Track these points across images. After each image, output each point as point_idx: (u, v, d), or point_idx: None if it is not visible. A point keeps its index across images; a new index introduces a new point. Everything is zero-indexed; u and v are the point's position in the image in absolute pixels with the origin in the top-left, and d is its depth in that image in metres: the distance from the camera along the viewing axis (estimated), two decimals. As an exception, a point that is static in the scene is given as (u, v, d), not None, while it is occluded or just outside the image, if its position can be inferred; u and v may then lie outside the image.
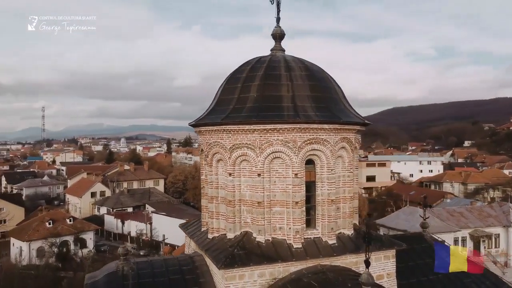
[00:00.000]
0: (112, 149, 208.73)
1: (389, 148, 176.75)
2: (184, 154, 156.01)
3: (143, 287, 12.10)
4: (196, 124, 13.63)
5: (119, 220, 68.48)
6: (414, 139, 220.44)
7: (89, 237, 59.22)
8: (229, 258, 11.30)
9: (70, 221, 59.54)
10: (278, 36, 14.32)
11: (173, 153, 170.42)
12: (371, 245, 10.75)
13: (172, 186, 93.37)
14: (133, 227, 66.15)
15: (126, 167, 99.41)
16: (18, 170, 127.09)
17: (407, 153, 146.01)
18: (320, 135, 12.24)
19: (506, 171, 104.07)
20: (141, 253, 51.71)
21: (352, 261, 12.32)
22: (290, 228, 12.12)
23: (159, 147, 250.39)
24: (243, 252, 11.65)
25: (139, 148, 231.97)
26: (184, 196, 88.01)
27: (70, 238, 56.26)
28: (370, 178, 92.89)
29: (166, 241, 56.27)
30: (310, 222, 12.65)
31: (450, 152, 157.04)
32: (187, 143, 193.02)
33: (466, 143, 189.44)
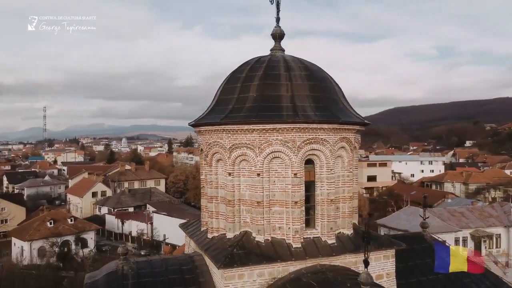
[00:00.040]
0: (113, 149, 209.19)
1: (390, 148, 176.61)
2: (185, 154, 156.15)
3: (143, 286, 12.12)
4: (195, 124, 13.64)
5: (120, 220, 68.55)
6: (416, 139, 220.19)
7: (90, 237, 59.29)
8: (228, 258, 11.32)
9: (71, 221, 59.61)
10: (278, 36, 14.33)
11: (174, 153, 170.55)
12: (370, 245, 10.77)
13: (173, 186, 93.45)
14: (134, 227, 66.23)
15: (127, 167, 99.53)
16: (19, 170, 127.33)
17: (409, 153, 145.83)
18: (319, 135, 12.24)
19: (507, 171, 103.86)
20: (142, 253, 51.73)
21: (352, 261, 12.32)
22: (289, 227, 12.12)
23: (160, 147, 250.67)
24: (242, 252, 11.66)
25: (140, 148, 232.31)
26: (185, 196, 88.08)
27: (71, 238, 56.33)
28: (371, 178, 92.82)
29: (167, 241, 56.39)
30: (309, 221, 12.65)
31: (452, 152, 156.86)
32: (188, 143, 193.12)
33: (468, 143, 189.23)
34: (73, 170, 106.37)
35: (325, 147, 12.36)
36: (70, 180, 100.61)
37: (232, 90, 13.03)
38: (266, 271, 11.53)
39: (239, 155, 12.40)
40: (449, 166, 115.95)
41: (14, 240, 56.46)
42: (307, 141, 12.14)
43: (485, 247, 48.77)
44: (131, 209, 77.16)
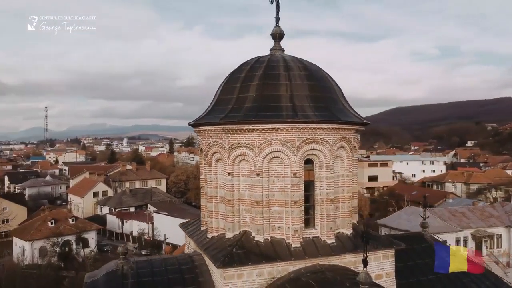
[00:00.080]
0: (115, 149, 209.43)
1: (391, 148, 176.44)
2: (186, 154, 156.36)
3: (142, 286, 12.14)
4: (195, 124, 13.66)
5: (120, 220, 68.64)
6: (417, 139, 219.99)
7: (91, 237, 59.35)
8: (227, 257, 11.33)
9: (72, 220, 59.69)
10: (278, 36, 14.34)
11: (175, 153, 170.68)
12: (369, 245, 10.76)
13: (174, 186, 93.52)
14: (135, 227, 66.31)
15: (128, 167, 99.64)
16: (21, 170, 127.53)
17: (410, 153, 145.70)
18: (318, 135, 12.25)
19: (509, 171, 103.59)
20: (143, 253, 51.85)
21: (351, 261, 12.33)
22: (288, 227, 12.13)
23: (162, 147, 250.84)
24: (241, 252, 11.67)
25: (141, 148, 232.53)
26: (186, 196, 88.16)
27: (72, 238, 56.40)
28: (372, 178, 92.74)
29: (168, 240, 56.42)
30: (309, 221, 12.65)
31: (453, 152, 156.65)
32: (189, 143, 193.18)
33: (469, 143, 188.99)
34: (74, 170, 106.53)
35: (324, 147, 12.37)
36: (71, 180, 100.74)
37: (232, 90, 13.05)
38: (265, 271, 11.54)
39: (239, 155, 12.41)
40: (451, 166, 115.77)
41: (15, 240, 56.56)
42: (307, 141, 12.14)
43: (486, 247, 48.68)
44: (132, 209, 77.24)
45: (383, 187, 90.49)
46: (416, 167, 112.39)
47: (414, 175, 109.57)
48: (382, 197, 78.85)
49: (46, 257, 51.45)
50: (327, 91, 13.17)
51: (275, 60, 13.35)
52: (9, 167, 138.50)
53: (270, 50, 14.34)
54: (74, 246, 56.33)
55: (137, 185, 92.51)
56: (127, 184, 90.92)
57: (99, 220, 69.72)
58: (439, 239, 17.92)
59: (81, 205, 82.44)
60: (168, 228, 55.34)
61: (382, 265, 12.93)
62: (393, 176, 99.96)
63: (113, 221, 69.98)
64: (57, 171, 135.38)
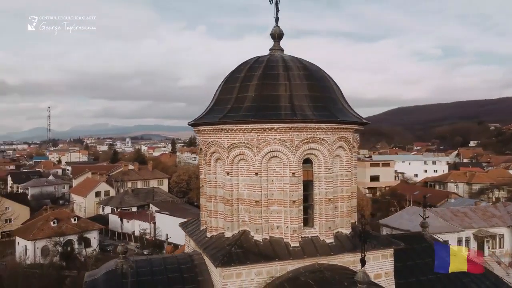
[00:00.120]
0: (117, 149, 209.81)
1: (394, 148, 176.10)
2: (189, 154, 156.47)
3: (142, 285, 12.19)
4: (194, 124, 13.71)
5: (120, 219, 68.82)
6: (419, 139, 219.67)
7: (93, 236, 59.49)
8: (226, 257, 11.37)
9: (74, 220, 59.86)
10: (277, 36, 14.37)
11: (178, 153, 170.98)
12: (367, 244, 10.79)
13: (176, 185, 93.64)
14: (136, 226, 66.46)
15: (131, 167, 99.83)
16: (24, 170, 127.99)
17: (412, 153, 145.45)
18: (317, 135, 12.27)
19: (511, 171, 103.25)
20: (145, 252, 51.97)
21: (350, 260, 12.34)
22: (287, 227, 12.16)
23: (164, 147, 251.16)
24: (240, 251, 11.71)
25: (144, 148, 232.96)
26: (188, 196, 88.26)
27: (74, 238, 56.58)
28: (374, 178, 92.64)
29: (169, 240, 56.51)
30: (307, 221, 12.69)
31: (456, 152, 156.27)
32: (191, 143, 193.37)
33: (472, 143, 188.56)
34: (76, 170, 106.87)
35: (323, 147, 12.39)
36: (73, 180, 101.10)
37: (231, 90, 13.09)
38: (264, 270, 11.58)
39: (238, 155, 12.45)
40: (453, 166, 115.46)
41: (17, 239, 56.78)
42: (305, 141, 12.17)
43: (488, 247, 48.57)
44: (134, 209, 77.41)
45: (385, 187, 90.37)
46: (419, 167, 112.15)
47: (416, 175, 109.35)
48: (384, 197, 78.78)
49: (48, 256, 51.59)
50: (326, 91, 13.19)
51: (274, 60, 13.38)
52: (12, 167, 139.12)
53: (270, 50, 14.38)
54: (76, 246, 56.50)
55: (139, 185, 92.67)
56: (129, 184, 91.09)
57: (101, 220, 69.89)
58: (440, 239, 17.91)
59: (84, 205, 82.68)
60: (170, 228, 55.40)
61: (381, 264, 12.95)
62: (395, 176, 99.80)
63: (115, 221, 70.16)
64: (59, 171, 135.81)
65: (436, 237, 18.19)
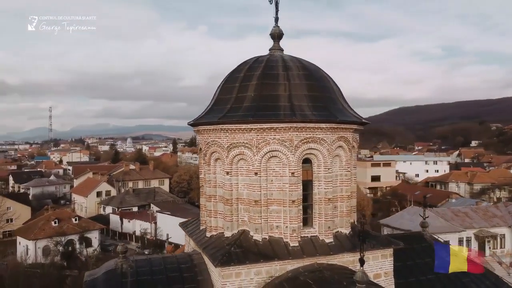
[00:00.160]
0: (119, 149, 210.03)
1: (395, 148, 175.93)
2: (190, 154, 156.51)
3: (142, 284, 12.21)
4: (194, 124, 13.74)
5: (124, 220, 68.91)
6: (421, 139, 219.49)
7: (94, 236, 59.58)
8: (225, 256, 11.38)
9: (75, 220, 59.97)
10: (277, 36, 14.38)
11: (179, 153, 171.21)
12: (366, 244, 10.79)
13: (177, 185, 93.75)
14: (137, 226, 66.55)
15: (132, 166, 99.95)
16: (25, 170, 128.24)
17: (413, 153, 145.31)
18: (317, 134, 12.28)
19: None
20: (146, 252, 52.00)
21: (349, 260, 12.34)
22: (287, 226, 12.17)
23: (165, 147, 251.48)
24: (240, 250, 11.73)
25: (145, 148, 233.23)
26: (189, 196, 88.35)
27: (75, 237, 56.68)
28: (375, 178, 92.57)
29: (170, 240, 56.58)
30: (307, 220, 12.69)
31: (457, 152, 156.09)
32: (192, 143, 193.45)
33: (473, 143, 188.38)
34: (78, 170, 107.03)
35: (322, 146, 12.40)
36: (75, 180, 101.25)
37: (231, 89, 13.10)
38: (263, 270, 11.59)
39: (237, 154, 12.47)
40: (454, 166, 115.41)
41: (19, 239, 56.89)
42: (305, 140, 12.18)
43: (489, 247, 48.53)
44: (135, 209, 77.52)
45: (386, 187, 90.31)
46: (420, 167, 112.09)
47: (417, 175, 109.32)
48: (385, 197, 78.77)
49: (49, 256, 51.69)
50: (325, 90, 13.20)
51: (274, 60, 13.39)
52: (13, 167, 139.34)
53: (269, 50, 14.39)
54: (77, 246, 56.61)
55: (140, 185, 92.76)
56: (130, 184, 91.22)
57: (103, 219, 70.02)
58: (440, 239, 17.91)
59: (85, 205, 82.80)
60: (171, 228, 55.45)
61: (380, 264, 12.95)
62: (396, 176, 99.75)
63: (116, 221, 70.28)
64: (61, 171, 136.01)
65: (436, 237, 18.18)
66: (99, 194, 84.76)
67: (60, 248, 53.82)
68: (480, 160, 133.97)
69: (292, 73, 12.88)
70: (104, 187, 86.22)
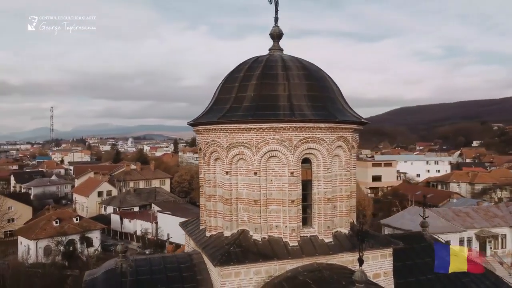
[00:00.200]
0: (120, 149, 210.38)
1: (396, 148, 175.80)
2: (191, 154, 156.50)
3: (141, 284, 12.23)
4: (194, 123, 13.76)
5: (125, 220, 68.98)
6: (422, 139, 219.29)
7: (95, 236, 59.61)
8: (225, 256, 11.40)
9: (76, 220, 60.03)
10: (276, 35, 14.39)
11: (180, 153, 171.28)
12: (365, 243, 10.79)
13: (178, 185, 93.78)
14: (138, 226, 66.61)
15: (133, 166, 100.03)
16: (27, 170, 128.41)
17: (415, 153, 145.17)
18: (316, 134, 12.29)
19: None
20: (146, 252, 52.05)
21: (349, 260, 12.34)
22: (286, 226, 12.18)
23: (166, 147, 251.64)
24: (239, 250, 11.74)
25: (146, 148, 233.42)
26: (190, 196, 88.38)
27: (76, 237, 56.71)
28: (376, 178, 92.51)
29: (171, 240, 56.62)
30: (306, 220, 12.70)
31: (458, 152, 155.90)
32: (193, 143, 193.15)
33: (475, 143, 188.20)
34: (79, 170, 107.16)
35: (322, 146, 12.41)
36: (76, 180, 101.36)
37: (230, 89, 13.12)
38: (262, 269, 11.60)
39: (236, 154, 12.49)
40: (456, 166, 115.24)
41: (20, 239, 56.98)
42: (304, 140, 12.19)
43: (490, 247, 48.46)
44: (136, 209, 77.57)
45: (387, 187, 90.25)
46: (421, 167, 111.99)
47: (418, 175, 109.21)
48: (385, 197, 78.71)
49: (50, 256, 51.74)
50: (325, 90, 13.20)
51: (274, 60, 13.41)
52: (15, 167, 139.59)
53: (269, 50, 14.40)
54: (78, 245, 56.64)
55: (141, 184, 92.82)
56: (131, 184, 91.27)
57: (104, 219, 70.07)
58: (440, 239, 17.90)
59: (86, 205, 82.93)
60: (172, 228, 55.44)
61: (380, 264, 12.95)
62: (397, 176, 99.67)
63: (117, 221, 70.36)
64: (62, 171, 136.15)
65: (436, 237, 18.16)
66: (100, 194, 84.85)
67: (61, 248, 53.89)
68: (481, 160, 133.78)
69: (291, 73, 12.89)
70: (105, 187, 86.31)
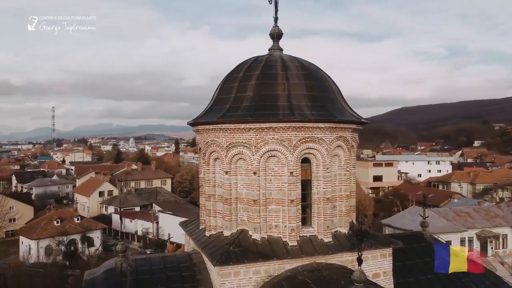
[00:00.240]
0: (121, 149, 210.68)
1: (397, 148, 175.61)
2: (192, 154, 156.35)
3: (141, 283, 12.26)
4: (193, 123, 13.78)
5: (126, 219, 69.03)
6: (424, 139, 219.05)
7: (96, 236, 59.67)
8: (224, 255, 11.42)
9: (77, 220, 60.11)
10: (276, 35, 14.40)
11: (181, 153, 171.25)
12: (364, 243, 10.79)
13: (179, 185, 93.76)
14: (139, 226, 66.65)
15: (134, 166, 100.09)
16: (28, 170, 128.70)
17: (416, 153, 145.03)
18: (315, 134, 12.29)
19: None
20: (147, 252, 52.08)
21: (348, 259, 12.34)
22: (285, 226, 12.19)
23: (168, 147, 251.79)
24: (238, 250, 11.76)
25: (147, 148, 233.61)
26: (191, 196, 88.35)
27: (77, 237, 56.79)
28: (377, 178, 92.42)
29: (172, 240, 56.63)
30: (306, 220, 12.71)
31: (460, 152, 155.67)
32: (195, 143, 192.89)
33: (476, 143, 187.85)
34: (80, 170, 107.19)
35: (321, 146, 12.41)
36: (77, 180, 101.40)
37: (230, 89, 13.14)
38: (262, 269, 11.62)
39: (236, 154, 12.50)
40: (457, 166, 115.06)
41: (21, 238, 57.07)
42: (303, 140, 12.19)
43: (492, 247, 48.34)
44: (137, 208, 77.61)
45: (388, 187, 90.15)
46: (422, 167, 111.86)
47: (420, 175, 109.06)
48: (386, 197, 78.58)
49: (51, 255, 51.85)
50: (324, 90, 13.21)
51: (273, 60, 13.42)
52: (16, 167, 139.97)
53: (269, 50, 14.42)
54: (80, 245, 56.73)
55: (143, 184, 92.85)
56: (132, 184, 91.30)
57: (105, 219, 70.11)
58: (440, 239, 17.88)
59: (87, 205, 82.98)
60: (173, 227, 55.44)
61: (379, 263, 12.95)
62: (398, 176, 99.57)
63: (118, 221, 70.40)
64: (63, 171, 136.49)
65: (436, 237, 18.15)
66: (101, 194, 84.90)
67: (62, 248, 53.97)
68: (483, 160, 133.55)
69: (291, 72, 12.90)
70: (106, 187, 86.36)
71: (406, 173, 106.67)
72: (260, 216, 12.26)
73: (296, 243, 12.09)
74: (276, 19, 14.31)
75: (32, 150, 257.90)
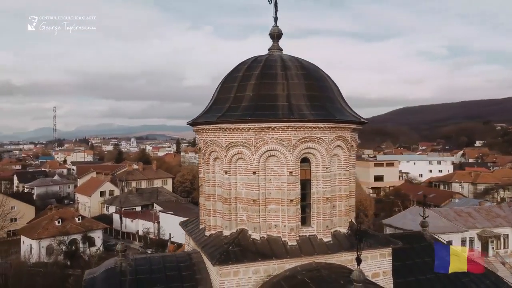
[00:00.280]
0: (122, 149, 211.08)
1: (399, 148, 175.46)
2: (193, 154, 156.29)
3: (141, 283, 12.28)
4: (193, 123, 13.79)
5: (126, 219, 69.11)
6: (425, 139, 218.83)
7: (98, 236, 59.80)
8: (223, 255, 11.43)
9: (79, 219, 60.23)
10: (276, 35, 14.40)
11: (182, 153, 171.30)
12: (364, 243, 10.80)
13: (180, 185, 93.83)
14: (140, 226, 66.74)
15: (135, 166, 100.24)
16: (30, 170, 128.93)
17: (417, 153, 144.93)
18: (315, 134, 12.30)
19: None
20: (148, 252, 52.15)
21: (348, 259, 12.34)
22: (285, 225, 12.20)
23: (169, 147, 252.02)
24: (238, 249, 11.77)
25: (148, 148, 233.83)
26: (192, 196, 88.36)
27: (78, 237, 56.93)
28: (378, 178, 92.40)
29: (173, 239, 56.70)
30: (305, 220, 12.71)
31: (461, 152, 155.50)
32: (196, 143, 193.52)
33: (478, 143, 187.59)
34: (81, 170, 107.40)
35: (320, 146, 12.42)
36: (78, 180, 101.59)
37: (229, 89, 13.14)
38: (261, 268, 11.62)
39: (235, 154, 12.51)
40: (459, 166, 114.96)
41: (23, 238, 57.23)
42: (303, 140, 12.20)
43: (493, 247, 48.30)
44: (138, 208, 77.72)
45: (389, 187, 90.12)
46: (423, 167, 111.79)
47: (421, 175, 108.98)
48: (387, 197, 78.53)
49: (52, 255, 51.98)
50: (324, 90, 13.21)
51: (273, 60, 13.42)
52: (18, 167, 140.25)
53: (268, 49, 14.42)
54: (81, 245, 56.85)
55: (144, 184, 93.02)
56: (133, 184, 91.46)
57: (106, 219, 70.24)
58: (440, 239, 17.87)
59: (88, 204, 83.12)
60: (174, 227, 55.47)
61: (379, 263, 12.95)
62: (399, 176, 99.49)
63: (119, 220, 70.49)
64: (65, 171, 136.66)
65: (437, 237, 18.14)
66: (102, 193, 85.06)
67: (64, 248, 54.08)
68: (484, 160, 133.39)
69: (290, 72, 12.91)
70: (107, 186, 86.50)
71: (407, 173, 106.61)
72: (259, 215, 12.27)
73: (295, 243, 12.10)
74: (276, 19, 14.32)
75: (34, 150, 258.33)
